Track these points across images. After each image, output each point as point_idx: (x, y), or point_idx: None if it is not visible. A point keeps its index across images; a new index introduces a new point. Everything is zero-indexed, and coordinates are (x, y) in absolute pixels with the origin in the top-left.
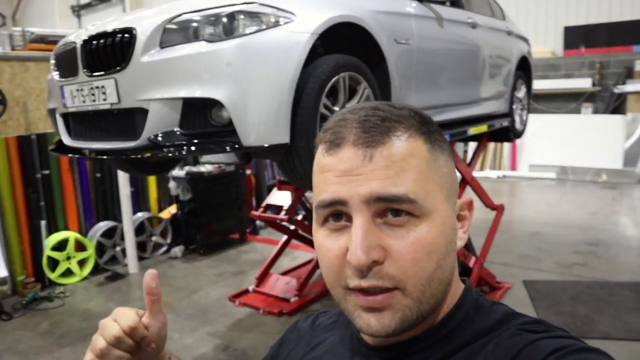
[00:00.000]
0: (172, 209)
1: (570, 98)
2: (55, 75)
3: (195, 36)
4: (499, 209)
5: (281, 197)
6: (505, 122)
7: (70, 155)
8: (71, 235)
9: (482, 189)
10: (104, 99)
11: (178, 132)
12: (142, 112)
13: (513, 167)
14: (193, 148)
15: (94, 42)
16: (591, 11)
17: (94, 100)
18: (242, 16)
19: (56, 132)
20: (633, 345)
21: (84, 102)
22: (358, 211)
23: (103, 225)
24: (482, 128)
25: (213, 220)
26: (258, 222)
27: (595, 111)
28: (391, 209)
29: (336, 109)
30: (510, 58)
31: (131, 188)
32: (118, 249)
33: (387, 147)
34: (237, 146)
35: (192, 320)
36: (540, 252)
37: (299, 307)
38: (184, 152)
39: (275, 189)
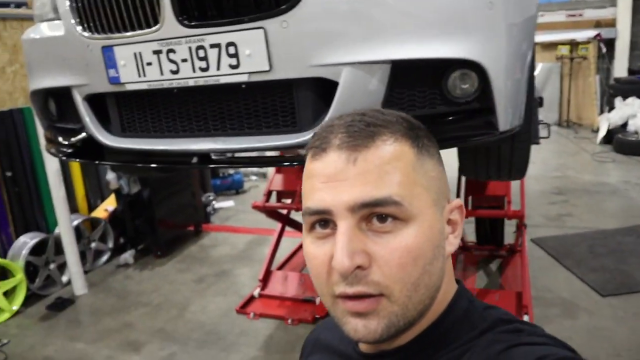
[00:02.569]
0: (108, 206)
1: None
2: (78, 29)
3: None
4: None
5: (284, 182)
6: None
7: (110, 163)
8: None
9: None
10: (233, 66)
11: None
12: (319, 86)
13: None
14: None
15: None
16: None
17: (203, 69)
18: None
19: (48, 125)
20: None
21: (175, 72)
22: (342, 218)
23: (29, 240)
24: None
25: (168, 212)
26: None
27: None
28: (376, 214)
29: None
30: None
31: None
32: (52, 266)
33: (371, 151)
34: (492, 131)
35: (208, 348)
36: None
37: None
38: None
39: (274, 172)
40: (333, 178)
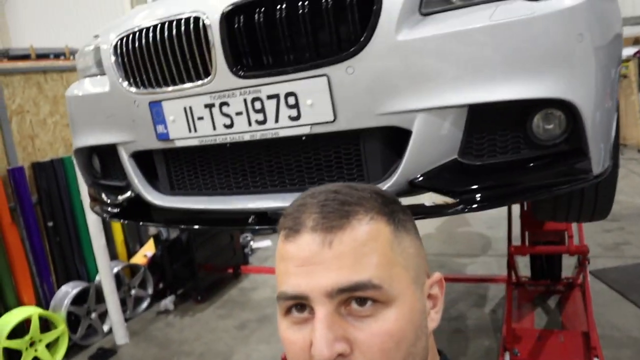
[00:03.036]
0: (147, 251)
1: None
2: (124, 85)
3: None
4: None
5: None
6: None
7: (157, 224)
8: (33, 312)
9: None
10: (293, 117)
11: (460, 164)
12: (387, 135)
13: None
14: (519, 189)
15: (261, 12)
16: None
17: (260, 122)
18: None
19: (92, 182)
20: None
21: (229, 126)
22: (320, 304)
23: (70, 289)
24: None
25: (207, 256)
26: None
27: None
28: (355, 297)
29: None
30: None
31: None
32: (94, 315)
33: (347, 232)
34: (584, 176)
35: None
36: None
37: None
38: (496, 201)
39: None
40: (308, 262)
